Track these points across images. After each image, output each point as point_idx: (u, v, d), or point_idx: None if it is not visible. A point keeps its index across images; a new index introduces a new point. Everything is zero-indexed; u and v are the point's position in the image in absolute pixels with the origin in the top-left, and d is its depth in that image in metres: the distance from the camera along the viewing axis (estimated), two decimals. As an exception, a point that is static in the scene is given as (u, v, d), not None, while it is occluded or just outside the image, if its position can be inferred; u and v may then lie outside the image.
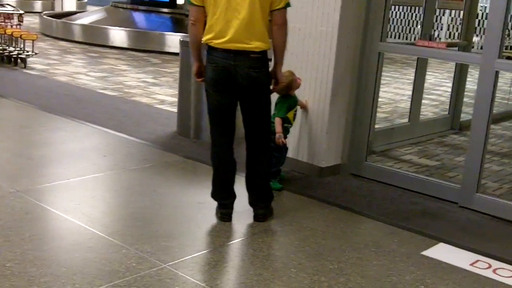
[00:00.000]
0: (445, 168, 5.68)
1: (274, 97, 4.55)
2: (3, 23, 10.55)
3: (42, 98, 7.65)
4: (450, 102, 7.27)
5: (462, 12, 7.04)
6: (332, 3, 4.83)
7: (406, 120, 6.85)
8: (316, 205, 4.54)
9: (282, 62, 4.01)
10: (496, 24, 4.33)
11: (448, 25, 17.91)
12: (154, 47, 13.74)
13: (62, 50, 13.04)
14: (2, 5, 11.32)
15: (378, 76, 5.14)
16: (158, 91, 8.94)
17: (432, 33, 6.97)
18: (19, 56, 10.14)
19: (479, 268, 3.67)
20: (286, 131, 4.76)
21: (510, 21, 5.53)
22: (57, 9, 21.70)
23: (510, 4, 4.31)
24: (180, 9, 15.49)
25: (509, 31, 8.24)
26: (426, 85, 10.77)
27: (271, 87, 4.05)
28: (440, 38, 17.80)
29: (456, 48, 6.86)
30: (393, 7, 17.37)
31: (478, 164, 4.53)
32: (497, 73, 4.38)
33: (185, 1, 12.51)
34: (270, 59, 3.97)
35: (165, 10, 15.60)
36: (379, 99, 8.98)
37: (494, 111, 4.49)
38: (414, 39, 16.91)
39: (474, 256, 3.82)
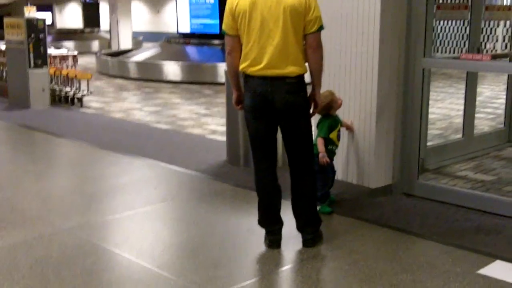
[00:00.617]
0: (502, 183, 5.49)
1: (316, 118, 4.53)
2: (59, 65, 10.92)
3: (96, 135, 7.85)
4: (505, 114, 7.06)
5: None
6: (372, 23, 4.80)
7: (460, 135, 6.68)
8: (367, 227, 4.45)
9: (320, 85, 3.98)
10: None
11: (504, 37, 17.48)
12: (207, 78, 13.97)
13: (117, 87, 13.38)
14: (58, 48, 11.74)
15: (424, 93, 5.05)
16: (210, 121, 9.04)
17: (481, 45, 6.79)
18: (75, 95, 10.45)
19: (539, 285, 3.52)
20: (332, 153, 4.71)
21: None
22: (114, 48, 22.34)
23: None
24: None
25: None
26: (482, 98, 10.59)
27: (311, 110, 4.03)
28: (496, 50, 17.40)
29: (507, 59, 6.67)
30: (442, 22, 17.15)
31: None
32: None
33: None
34: (309, 83, 3.95)
35: (216, 41, 15.85)
36: (434, 116, 8.97)
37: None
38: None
39: (533, 273, 3.67)
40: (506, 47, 17.22)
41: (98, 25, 31.84)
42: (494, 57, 4.78)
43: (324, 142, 4.57)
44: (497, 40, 17.44)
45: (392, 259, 3.89)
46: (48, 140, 7.74)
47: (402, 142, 5.11)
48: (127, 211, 4.82)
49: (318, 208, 4.36)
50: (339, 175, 5.11)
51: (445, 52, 19.54)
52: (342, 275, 3.70)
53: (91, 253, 3.99)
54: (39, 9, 11.71)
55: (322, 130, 4.61)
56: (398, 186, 5.16)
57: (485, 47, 17.45)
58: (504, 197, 4.74)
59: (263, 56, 3.78)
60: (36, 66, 9.92)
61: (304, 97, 3.90)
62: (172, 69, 14.60)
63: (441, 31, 19.15)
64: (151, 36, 29.23)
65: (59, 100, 10.61)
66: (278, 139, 4.05)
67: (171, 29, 23.96)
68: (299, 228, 4.11)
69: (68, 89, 10.57)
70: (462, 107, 6.54)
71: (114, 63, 16.12)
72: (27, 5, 10.23)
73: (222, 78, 13.45)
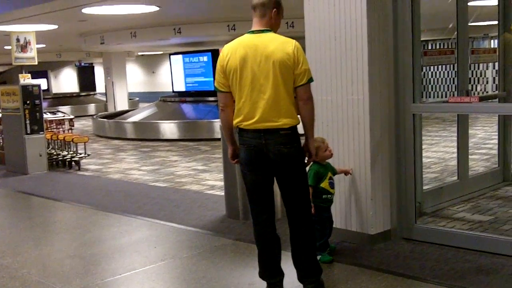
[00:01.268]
0: (499, 222, 5.51)
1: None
2: (55, 129, 11.03)
3: (94, 198, 7.88)
4: (498, 154, 7.12)
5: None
6: (360, 71, 4.90)
7: (455, 177, 6.72)
8: (368, 274, 4.45)
9: (313, 135, 4.05)
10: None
11: (493, 78, 17.74)
12: (204, 135, 14.11)
13: (115, 148, 13.46)
14: (53, 113, 11.87)
15: (416, 137, 5.12)
16: (208, 177, 9.08)
17: (471, 87, 6.92)
18: (73, 159, 10.53)
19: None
20: (328, 201, 4.74)
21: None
22: (110, 110, 22.54)
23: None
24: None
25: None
26: (475, 140, 10.67)
27: (305, 160, 4.09)
28: (487, 92, 17.63)
29: (496, 100, 6.79)
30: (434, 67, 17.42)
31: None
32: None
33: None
34: (302, 135, 4.01)
35: (211, 98, 16.03)
36: (429, 160, 9.03)
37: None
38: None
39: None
40: (496, 88, 17.48)
41: (93, 88, 32.19)
42: (483, 98, 4.87)
43: (312, 191, 4.55)
44: (487, 82, 17.70)
45: (395, 305, 3.88)
46: (46, 204, 7.76)
47: (398, 187, 5.15)
48: (127, 272, 4.81)
49: (318, 257, 4.36)
50: (338, 223, 5.13)
51: (438, 96, 19.78)
52: (345, 324, 3.68)
53: (93, 316, 3.98)
54: (34, 76, 11.89)
55: (309, 178, 4.62)
56: (397, 231, 5.18)
57: (476, 89, 17.71)
58: (502, 236, 4.75)
59: (256, 110, 3.86)
60: (33, 132, 10.03)
61: (298, 148, 3.95)
62: (168, 128, 14.73)
63: (432, 76, 19.41)
64: (147, 97, 29.54)
65: (57, 164, 10.68)
66: (276, 190, 4.09)
67: (167, 88, 24.24)
68: (300, 278, 4.11)
69: (65, 153, 10.65)
70: (455, 150, 6.61)
71: (111, 124, 16.26)
72: (21, 72, 10.34)
73: (218, 134, 13.53)
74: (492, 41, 17.24)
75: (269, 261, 4.09)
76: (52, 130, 11.43)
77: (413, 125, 5.02)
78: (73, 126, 11.65)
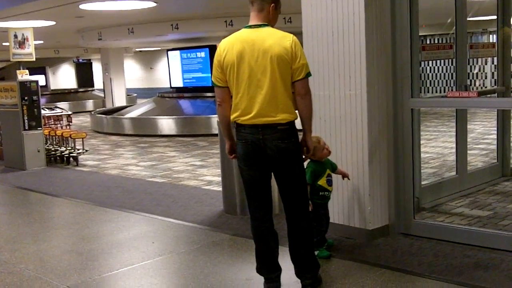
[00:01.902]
0: (498, 217, 5.50)
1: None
2: (53, 125, 11.00)
3: (92, 193, 7.86)
4: (497, 149, 7.12)
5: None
6: (358, 66, 4.88)
7: (454, 173, 6.71)
8: (366, 269, 4.44)
9: (311, 130, 4.03)
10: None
11: (492, 73, 17.73)
12: (201, 130, 14.09)
13: (113, 144, 13.45)
14: (51, 108, 11.85)
15: (415, 133, 5.10)
16: (206, 172, 9.07)
17: (469, 82, 6.91)
18: (71, 155, 10.51)
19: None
20: (325, 198, 4.72)
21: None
22: (108, 106, 22.51)
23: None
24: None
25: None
26: (474, 135, 10.66)
27: (303, 156, 4.07)
28: (486, 87, 17.60)
29: (495, 95, 6.77)
30: (432, 63, 17.39)
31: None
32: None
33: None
34: (300, 130, 4.00)
35: (209, 94, 16.01)
36: (427, 155, 9.02)
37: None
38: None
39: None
40: (495, 83, 17.47)
41: (92, 84, 32.15)
42: (482, 93, 4.85)
43: (309, 188, 4.50)
44: (486, 77, 17.68)
45: (393, 300, 3.87)
46: (44, 200, 7.75)
47: (396, 182, 5.14)
48: (124, 267, 4.80)
49: (316, 252, 4.35)
50: (336, 218, 5.12)
51: (436, 92, 19.75)
52: (343, 319, 3.68)
53: (90, 311, 3.97)
54: (33, 72, 11.89)
55: (307, 176, 4.59)
56: (395, 226, 5.17)
57: (474, 84, 17.69)
58: (501, 231, 4.75)
59: (253, 105, 3.84)
60: (31, 128, 10.01)
61: (295, 143, 3.93)
62: (166, 124, 14.71)
63: (430, 71, 19.39)
64: (145, 93, 29.52)
65: (55, 160, 10.67)
66: (273, 186, 4.07)
67: (165, 84, 24.22)
68: (298, 274, 4.10)
69: (63, 148, 10.63)
70: (454, 145, 6.60)
71: (109, 120, 16.25)
72: (19, 68, 10.32)
73: (216, 129, 13.50)
74: (490, 36, 17.23)
75: (266, 256, 4.08)
76: (50, 126, 11.40)
77: (411, 120, 5.01)
78: (71, 122, 11.61)
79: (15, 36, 10.38)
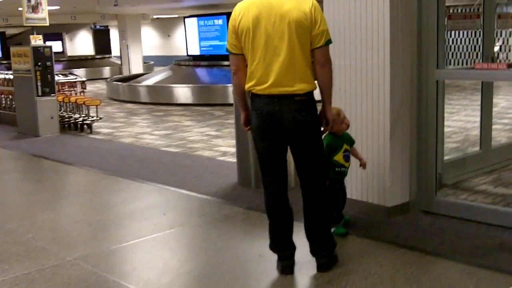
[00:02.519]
0: (524, 196, 5.29)
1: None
2: (67, 91, 10.87)
3: (105, 162, 7.72)
4: (523, 124, 6.86)
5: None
6: (381, 35, 4.63)
7: (477, 148, 6.47)
8: (384, 248, 4.24)
9: (331, 101, 3.81)
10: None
11: (517, 46, 17.28)
12: (218, 100, 13.87)
13: (128, 112, 13.31)
14: (65, 75, 11.69)
15: (439, 105, 4.86)
16: (221, 143, 8.90)
17: (496, 54, 6.62)
18: (85, 122, 10.37)
19: None
20: (342, 174, 4.50)
21: None
22: (125, 73, 22.38)
23: None
24: (241, 60, 15.60)
25: None
26: (498, 109, 10.36)
27: (322, 128, 3.85)
28: (510, 60, 17.15)
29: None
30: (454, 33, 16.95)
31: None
32: None
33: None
34: (319, 101, 3.78)
35: (226, 63, 15.74)
36: (449, 129, 8.76)
37: None
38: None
39: None
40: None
41: (109, 51, 31.96)
42: (510, 66, 4.60)
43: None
44: (510, 50, 17.22)
45: (412, 282, 3.68)
46: (57, 168, 7.62)
47: (418, 157, 4.92)
48: (134, 239, 4.65)
49: (332, 230, 4.17)
50: (354, 194, 4.92)
51: (458, 64, 19.32)
52: (360, 300, 3.50)
53: (96, 286, 3.82)
54: (49, 38, 11.70)
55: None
56: (416, 203, 4.96)
57: (498, 57, 17.25)
58: (527, 211, 4.53)
59: (269, 74, 3.61)
60: (44, 94, 9.87)
61: (314, 115, 3.71)
62: (182, 92, 14.52)
63: (452, 43, 18.96)
64: (162, 60, 29.29)
65: (69, 126, 10.56)
66: (289, 159, 3.87)
67: (182, 52, 23.97)
68: (313, 252, 3.92)
69: (77, 115, 10.50)
70: (478, 119, 6.34)
71: (125, 88, 16.09)
72: (33, 33, 10.14)
73: (232, 99, 13.32)
74: (516, 7, 16.73)
75: (280, 233, 3.90)
76: (64, 92, 11.26)
77: (436, 92, 4.76)
78: (85, 88, 11.45)
79: (28, 1, 10.17)
